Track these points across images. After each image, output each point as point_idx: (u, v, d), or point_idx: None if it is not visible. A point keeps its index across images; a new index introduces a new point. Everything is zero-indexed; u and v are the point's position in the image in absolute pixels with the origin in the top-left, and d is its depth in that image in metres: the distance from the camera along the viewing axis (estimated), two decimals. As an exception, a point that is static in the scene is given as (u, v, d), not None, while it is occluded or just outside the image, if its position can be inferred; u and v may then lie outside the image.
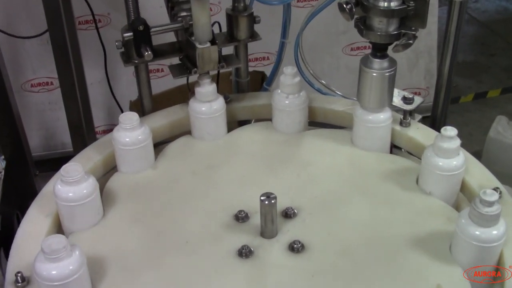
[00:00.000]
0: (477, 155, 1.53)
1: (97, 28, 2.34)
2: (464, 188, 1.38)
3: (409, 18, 1.37)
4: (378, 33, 1.38)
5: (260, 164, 1.50)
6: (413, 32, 1.37)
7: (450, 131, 1.32)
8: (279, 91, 1.57)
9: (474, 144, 2.90)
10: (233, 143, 1.58)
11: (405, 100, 1.54)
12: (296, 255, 1.24)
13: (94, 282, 1.18)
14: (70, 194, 1.27)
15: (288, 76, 1.54)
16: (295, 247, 1.25)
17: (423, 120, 1.60)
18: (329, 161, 1.51)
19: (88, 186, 1.28)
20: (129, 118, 1.43)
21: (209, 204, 1.37)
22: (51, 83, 2.72)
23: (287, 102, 1.56)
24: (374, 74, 1.42)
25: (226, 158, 1.52)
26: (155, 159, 1.51)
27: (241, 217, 1.32)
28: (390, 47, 1.43)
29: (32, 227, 1.28)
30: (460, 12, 1.54)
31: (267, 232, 1.28)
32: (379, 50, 1.42)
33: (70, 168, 1.27)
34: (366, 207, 1.36)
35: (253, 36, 1.67)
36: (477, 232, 1.17)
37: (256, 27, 1.69)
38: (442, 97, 1.66)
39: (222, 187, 1.42)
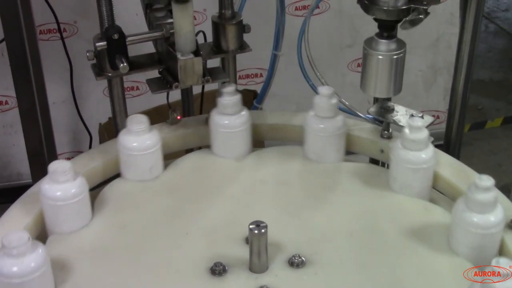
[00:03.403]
0: (507, 189, 1.60)
1: (62, 38, 2.45)
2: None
3: None
4: (385, 8, 1.46)
5: (249, 195, 1.60)
6: (424, 7, 1.44)
7: (417, 121, 1.45)
8: (313, 113, 1.65)
9: (503, 176, 2.99)
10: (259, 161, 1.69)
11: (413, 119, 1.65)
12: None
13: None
14: (58, 193, 1.42)
15: (324, 97, 1.62)
16: None
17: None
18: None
19: (77, 185, 1.43)
20: (139, 120, 1.58)
21: (186, 237, 1.47)
22: (6, 103, 2.81)
23: (322, 126, 1.64)
24: (380, 57, 1.51)
25: (208, 189, 1.62)
26: (164, 170, 1.65)
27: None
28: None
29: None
30: (476, 18, 1.64)
31: (252, 265, 1.37)
32: (386, 29, 1.49)
33: (58, 166, 1.42)
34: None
35: (243, 47, 1.78)
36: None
37: (248, 39, 1.80)
38: (457, 120, 1.76)
39: (205, 219, 1.53)
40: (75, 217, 1.46)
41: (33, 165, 2.11)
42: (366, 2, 1.48)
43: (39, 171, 2.08)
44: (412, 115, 1.65)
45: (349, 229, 1.48)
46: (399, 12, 1.46)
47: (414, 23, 1.46)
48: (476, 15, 1.65)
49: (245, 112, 1.67)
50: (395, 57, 1.51)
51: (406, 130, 1.48)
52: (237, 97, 1.65)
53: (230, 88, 1.65)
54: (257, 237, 1.33)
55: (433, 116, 1.74)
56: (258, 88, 2.19)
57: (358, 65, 3.07)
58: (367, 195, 1.59)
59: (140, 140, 1.57)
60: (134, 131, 1.57)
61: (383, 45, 1.51)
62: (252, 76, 3.05)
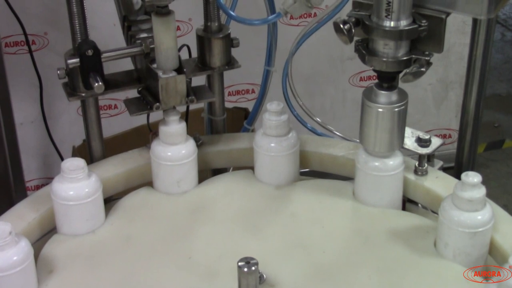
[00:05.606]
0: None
1: (30, 52, 2.46)
2: (493, 250, 1.49)
3: (422, 41, 1.49)
4: (384, 59, 1.49)
5: (239, 224, 1.61)
6: (426, 58, 1.48)
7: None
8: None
9: (522, 201, 3.01)
10: (205, 197, 1.69)
11: (420, 142, 1.66)
12: None
13: None
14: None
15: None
16: None
17: (447, 172, 1.69)
18: (326, 220, 1.62)
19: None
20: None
21: (171, 276, 1.48)
22: (-31, 123, 2.82)
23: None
24: (381, 110, 1.54)
25: (196, 217, 1.63)
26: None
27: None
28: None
29: None
30: (488, 30, 1.66)
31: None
32: (386, 80, 1.53)
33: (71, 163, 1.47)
34: (372, 281, 1.45)
35: (231, 63, 1.79)
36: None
37: (237, 52, 1.80)
38: (468, 140, 1.77)
39: (189, 253, 1.53)
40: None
41: (-4, 193, 2.11)
42: (364, 52, 1.51)
43: (4, 199, 2.08)
44: (418, 137, 1.67)
45: (329, 248, 1.49)
46: (400, 63, 1.49)
47: (416, 75, 1.48)
48: (489, 23, 1.66)
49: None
50: (396, 109, 1.54)
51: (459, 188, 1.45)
52: (285, 117, 1.66)
53: (276, 106, 1.66)
54: (245, 276, 1.33)
55: (444, 135, 1.75)
56: (250, 106, 2.20)
57: (361, 79, 3.09)
58: (339, 210, 1.62)
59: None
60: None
61: (383, 97, 1.53)
62: (243, 92, 3.06)
